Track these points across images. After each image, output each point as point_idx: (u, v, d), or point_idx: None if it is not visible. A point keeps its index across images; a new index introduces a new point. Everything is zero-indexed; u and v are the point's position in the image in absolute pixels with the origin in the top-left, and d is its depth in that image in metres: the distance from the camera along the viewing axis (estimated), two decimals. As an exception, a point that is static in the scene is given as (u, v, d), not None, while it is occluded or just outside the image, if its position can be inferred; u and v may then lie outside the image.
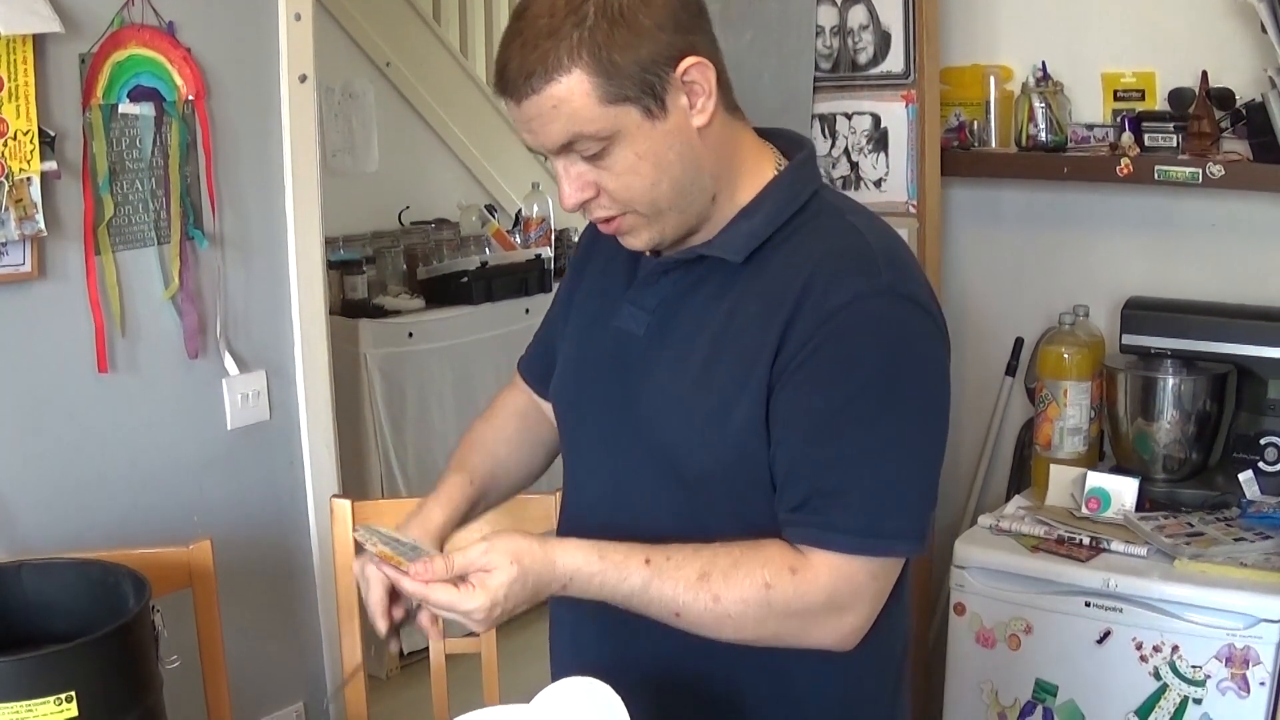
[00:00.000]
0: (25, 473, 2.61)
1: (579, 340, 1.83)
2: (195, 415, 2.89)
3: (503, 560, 1.55)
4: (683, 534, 1.62)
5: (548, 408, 1.95)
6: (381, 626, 1.66)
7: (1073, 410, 3.00)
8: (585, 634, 1.80)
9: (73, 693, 1.61)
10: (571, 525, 1.81)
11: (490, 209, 5.00)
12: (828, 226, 1.63)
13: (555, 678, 1.57)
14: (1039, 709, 2.75)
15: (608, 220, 1.62)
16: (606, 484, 1.76)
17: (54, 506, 2.65)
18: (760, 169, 1.67)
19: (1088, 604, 2.65)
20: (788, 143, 1.73)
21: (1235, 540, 2.65)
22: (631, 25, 1.49)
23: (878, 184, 3.23)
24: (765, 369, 1.57)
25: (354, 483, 3.85)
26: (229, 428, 2.95)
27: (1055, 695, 2.73)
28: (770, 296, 1.59)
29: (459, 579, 1.55)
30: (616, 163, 1.55)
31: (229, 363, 2.91)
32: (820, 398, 1.56)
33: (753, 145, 1.69)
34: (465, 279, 4.51)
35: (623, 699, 1.49)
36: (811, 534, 1.56)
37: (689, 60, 1.53)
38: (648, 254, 1.72)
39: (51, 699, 1.60)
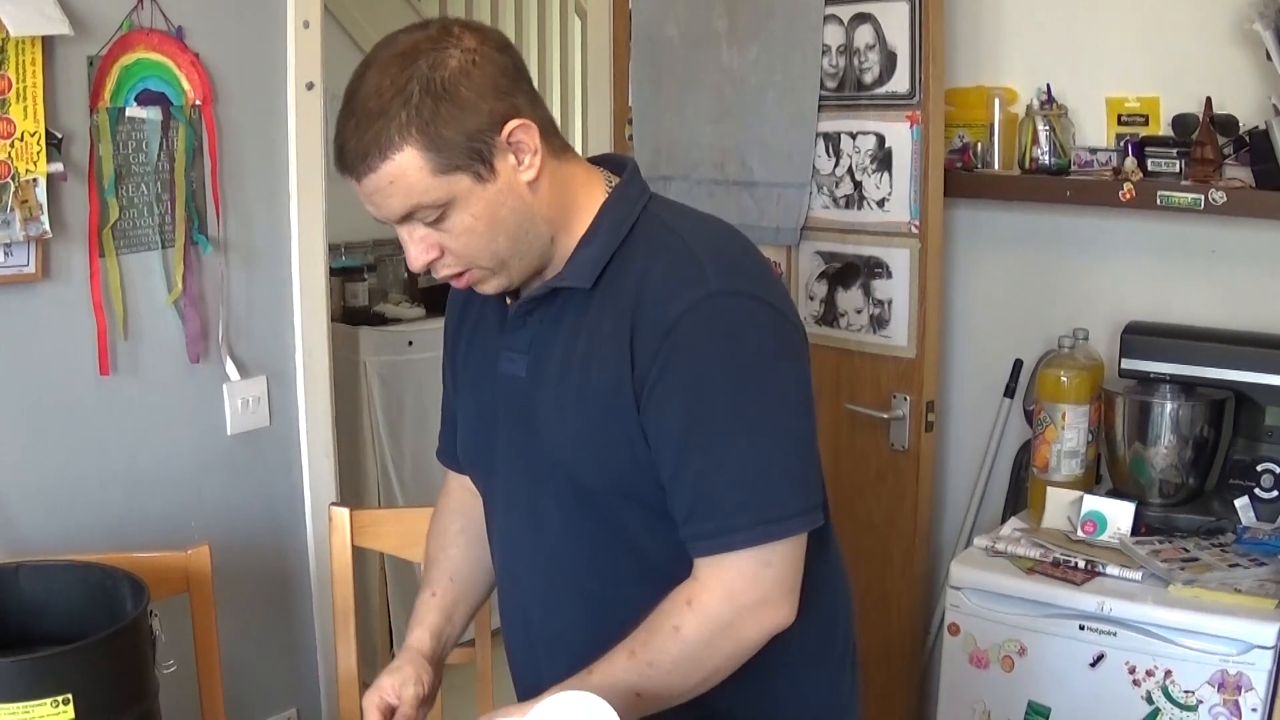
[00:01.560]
0: (24, 473, 2.61)
1: (471, 397, 1.89)
2: (196, 420, 2.89)
3: None
4: (597, 551, 1.74)
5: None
6: None
7: (1070, 433, 3.01)
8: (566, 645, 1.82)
9: (70, 695, 1.62)
10: (505, 570, 1.90)
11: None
12: (654, 239, 1.70)
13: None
14: (1031, 732, 2.76)
15: (456, 275, 1.70)
16: (527, 521, 1.80)
17: (52, 507, 2.65)
18: (592, 196, 1.74)
19: (1082, 627, 2.65)
20: (614, 165, 1.80)
21: (1230, 566, 2.66)
22: (455, 99, 1.57)
23: (880, 204, 3.24)
24: (627, 383, 1.65)
25: (351, 490, 3.85)
26: (229, 433, 2.95)
27: (1047, 717, 2.73)
28: (616, 314, 1.67)
29: None
30: (455, 225, 1.63)
31: (230, 368, 2.92)
32: (676, 416, 1.64)
33: (584, 178, 1.75)
34: (466, 289, 4.51)
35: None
36: (706, 544, 1.64)
37: (512, 123, 1.61)
38: (508, 301, 1.80)
39: (49, 700, 1.61)
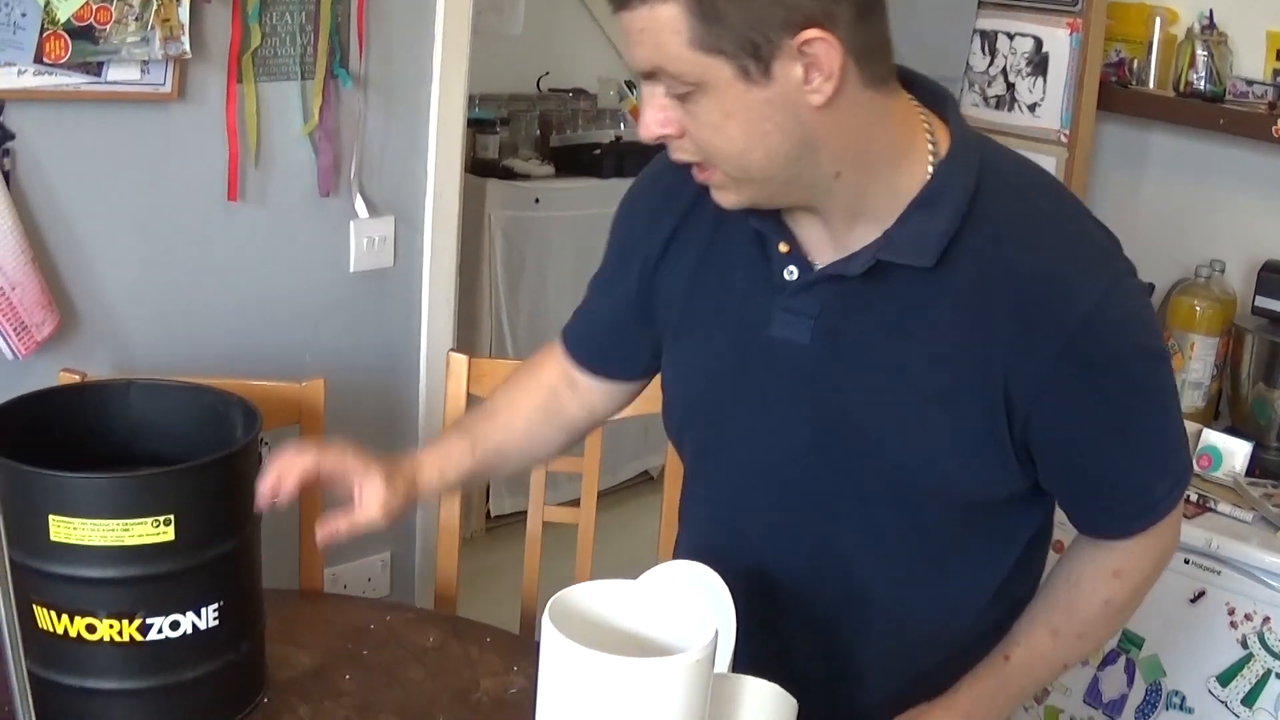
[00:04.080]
0: (142, 293, 2.63)
1: (702, 343, 1.65)
2: (319, 254, 2.89)
3: None
4: (879, 550, 1.59)
5: (587, 385, 1.86)
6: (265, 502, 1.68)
7: (1198, 364, 2.94)
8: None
9: (171, 516, 1.60)
10: (718, 537, 1.71)
11: (630, 85, 4.94)
12: (1010, 208, 1.45)
13: None
14: (1122, 659, 2.72)
15: (692, 167, 1.46)
16: (776, 496, 1.62)
17: (167, 330, 2.68)
18: (913, 143, 1.47)
19: (1186, 561, 2.60)
20: (930, 96, 1.51)
21: (1344, 520, 2.59)
22: None
23: (1032, 108, 3.15)
24: (994, 381, 1.44)
25: (464, 341, 3.86)
26: (351, 270, 2.95)
27: (1140, 648, 2.70)
28: (972, 303, 1.44)
29: None
30: (702, 114, 1.39)
31: (359, 205, 2.91)
32: (1090, 415, 1.46)
33: (901, 115, 1.46)
34: (598, 151, 4.49)
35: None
36: (1139, 524, 1.57)
37: (813, 32, 1.32)
38: (781, 248, 1.54)
39: (149, 520, 1.59)
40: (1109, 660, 2.74)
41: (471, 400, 2.45)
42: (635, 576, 2.00)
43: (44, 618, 1.61)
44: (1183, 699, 2.64)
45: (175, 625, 1.64)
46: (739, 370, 1.60)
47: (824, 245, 1.52)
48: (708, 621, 1.31)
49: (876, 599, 1.62)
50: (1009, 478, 1.51)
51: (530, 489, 2.38)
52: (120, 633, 1.62)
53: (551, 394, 1.88)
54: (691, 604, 1.36)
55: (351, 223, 2.92)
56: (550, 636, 1.26)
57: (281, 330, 2.85)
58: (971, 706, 1.63)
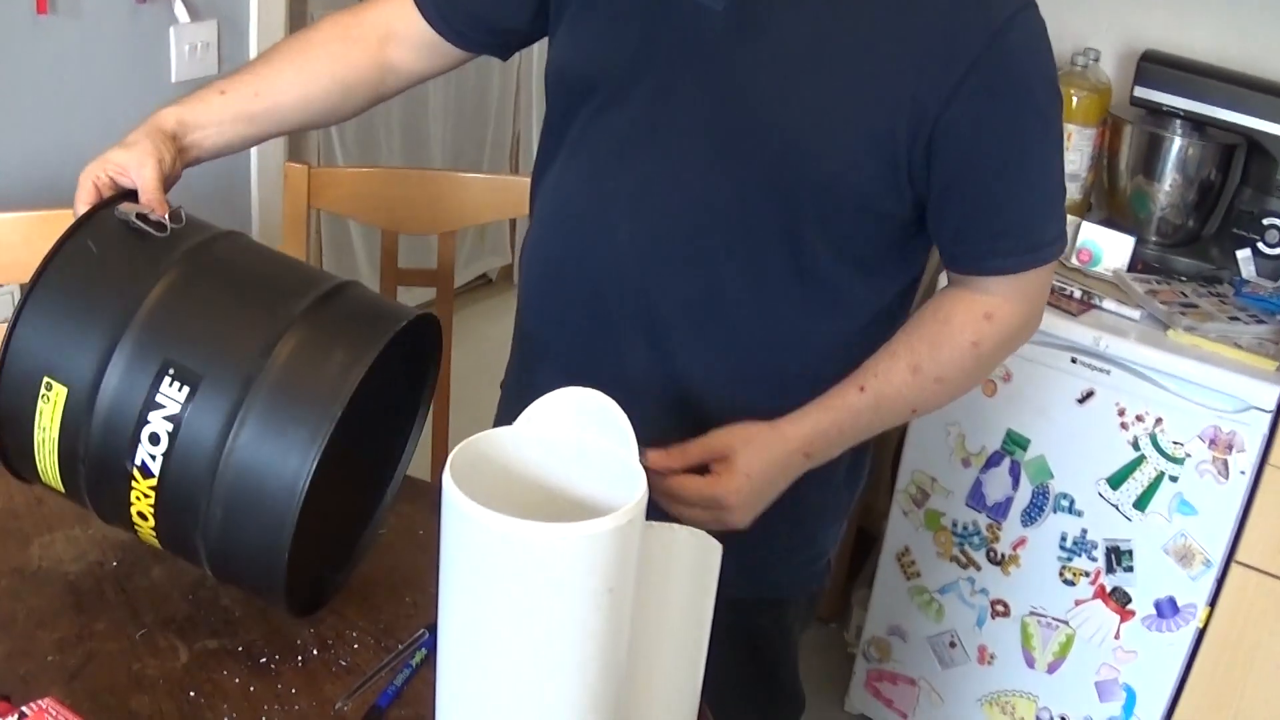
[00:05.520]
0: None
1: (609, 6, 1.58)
2: (138, 64, 2.63)
3: (734, 440, 1.52)
4: (761, 240, 1.54)
5: (419, 38, 1.72)
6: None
7: (1074, 155, 2.84)
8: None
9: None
10: (589, 218, 1.62)
11: None
12: None
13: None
14: (1006, 460, 2.67)
15: None
16: (648, 171, 1.56)
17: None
18: None
19: (1074, 360, 2.54)
20: None
21: (1230, 319, 2.54)
22: None
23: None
24: (922, 83, 1.44)
25: (293, 150, 3.62)
26: (173, 80, 2.69)
27: (1026, 449, 2.64)
28: (905, 4, 1.45)
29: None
30: None
31: (179, 9, 2.64)
32: (996, 128, 1.48)
33: None
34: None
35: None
36: (1017, 260, 1.55)
37: None
38: None
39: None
40: (992, 462, 2.68)
41: (314, 216, 2.29)
42: (497, 381, 1.86)
43: None
44: (1071, 502, 2.61)
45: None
46: (643, 27, 1.54)
47: None
48: (627, 466, 1.20)
49: (734, 310, 1.58)
50: (897, 192, 1.51)
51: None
52: None
53: (346, 47, 1.72)
54: (597, 441, 1.24)
55: (171, 29, 2.66)
56: (457, 503, 1.09)
57: (100, 151, 2.58)
58: (811, 437, 1.56)
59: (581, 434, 1.25)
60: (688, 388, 1.62)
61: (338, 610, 1.53)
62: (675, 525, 1.26)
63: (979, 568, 2.77)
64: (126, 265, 1.36)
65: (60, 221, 1.44)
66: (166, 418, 1.28)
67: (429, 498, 1.60)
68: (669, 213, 1.55)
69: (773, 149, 1.49)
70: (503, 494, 1.16)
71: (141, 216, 1.39)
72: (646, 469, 1.19)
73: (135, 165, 1.50)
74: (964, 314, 1.59)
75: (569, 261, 1.64)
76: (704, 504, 1.50)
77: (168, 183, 1.53)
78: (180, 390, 1.28)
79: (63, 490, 1.40)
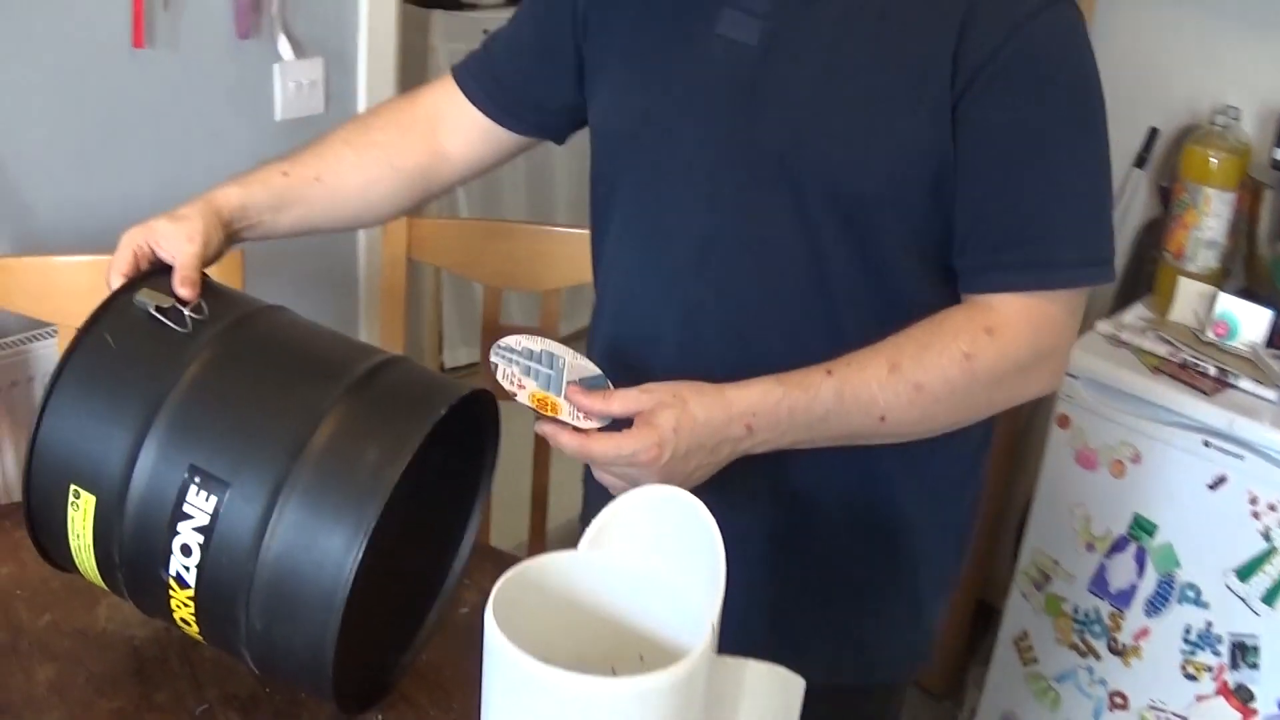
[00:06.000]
0: (43, 158, 2.31)
1: (642, 43, 1.53)
2: (241, 102, 2.58)
3: (664, 394, 1.36)
4: (800, 275, 1.47)
5: (468, 122, 1.70)
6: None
7: (1213, 221, 2.68)
8: None
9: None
10: (632, 268, 1.60)
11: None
12: None
13: None
14: (1132, 546, 2.53)
15: None
16: (705, 220, 1.50)
17: (73, 199, 2.37)
18: None
19: (1206, 443, 2.39)
20: None
21: (1375, 400, 2.38)
22: None
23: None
24: (942, 85, 1.37)
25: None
26: (277, 118, 2.64)
27: (1153, 535, 2.50)
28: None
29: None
30: None
31: (283, 46, 2.58)
32: (1015, 119, 1.38)
33: None
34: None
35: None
36: (1025, 277, 1.42)
37: None
38: None
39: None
40: (1118, 548, 2.54)
41: (412, 266, 2.25)
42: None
43: None
44: (1198, 593, 2.46)
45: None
46: (673, 70, 1.50)
47: None
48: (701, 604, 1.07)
49: (760, 320, 1.51)
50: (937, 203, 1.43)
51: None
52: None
53: (403, 135, 1.70)
54: (671, 561, 1.13)
55: (275, 66, 2.60)
56: (498, 646, 1.00)
57: (201, 191, 2.54)
58: (756, 407, 1.39)
59: (658, 543, 1.15)
60: (780, 476, 1.55)
61: (408, 696, 1.46)
62: (748, 661, 1.15)
63: (1099, 657, 2.63)
64: (148, 358, 1.29)
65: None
66: (196, 529, 1.20)
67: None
68: (743, 274, 1.50)
69: (830, 177, 1.43)
70: (561, 620, 1.07)
71: (161, 309, 1.32)
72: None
73: (178, 241, 1.45)
74: (962, 321, 1.43)
75: (631, 342, 1.62)
76: (618, 463, 1.36)
77: (208, 261, 1.47)
78: (208, 500, 1.20)
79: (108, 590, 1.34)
